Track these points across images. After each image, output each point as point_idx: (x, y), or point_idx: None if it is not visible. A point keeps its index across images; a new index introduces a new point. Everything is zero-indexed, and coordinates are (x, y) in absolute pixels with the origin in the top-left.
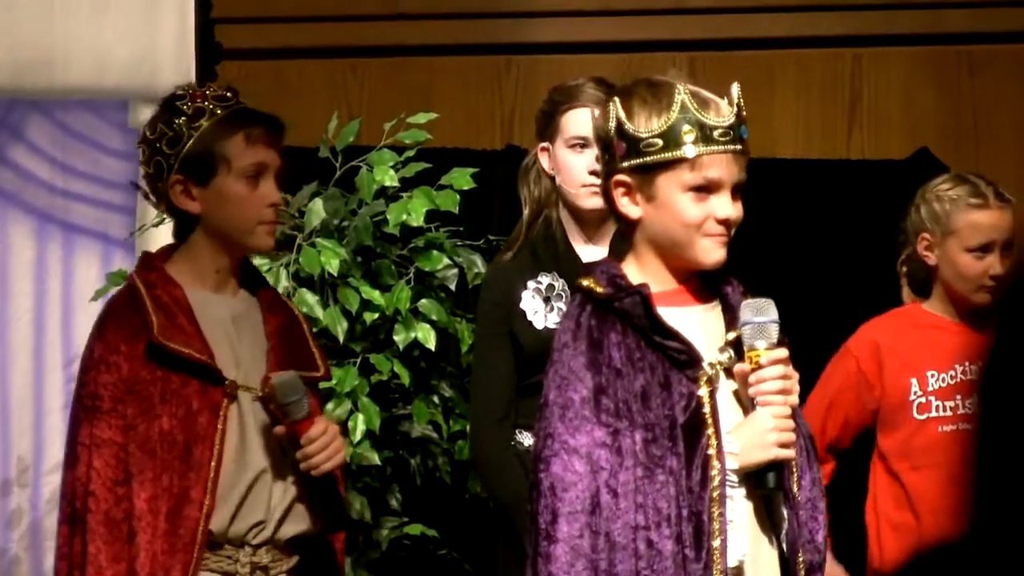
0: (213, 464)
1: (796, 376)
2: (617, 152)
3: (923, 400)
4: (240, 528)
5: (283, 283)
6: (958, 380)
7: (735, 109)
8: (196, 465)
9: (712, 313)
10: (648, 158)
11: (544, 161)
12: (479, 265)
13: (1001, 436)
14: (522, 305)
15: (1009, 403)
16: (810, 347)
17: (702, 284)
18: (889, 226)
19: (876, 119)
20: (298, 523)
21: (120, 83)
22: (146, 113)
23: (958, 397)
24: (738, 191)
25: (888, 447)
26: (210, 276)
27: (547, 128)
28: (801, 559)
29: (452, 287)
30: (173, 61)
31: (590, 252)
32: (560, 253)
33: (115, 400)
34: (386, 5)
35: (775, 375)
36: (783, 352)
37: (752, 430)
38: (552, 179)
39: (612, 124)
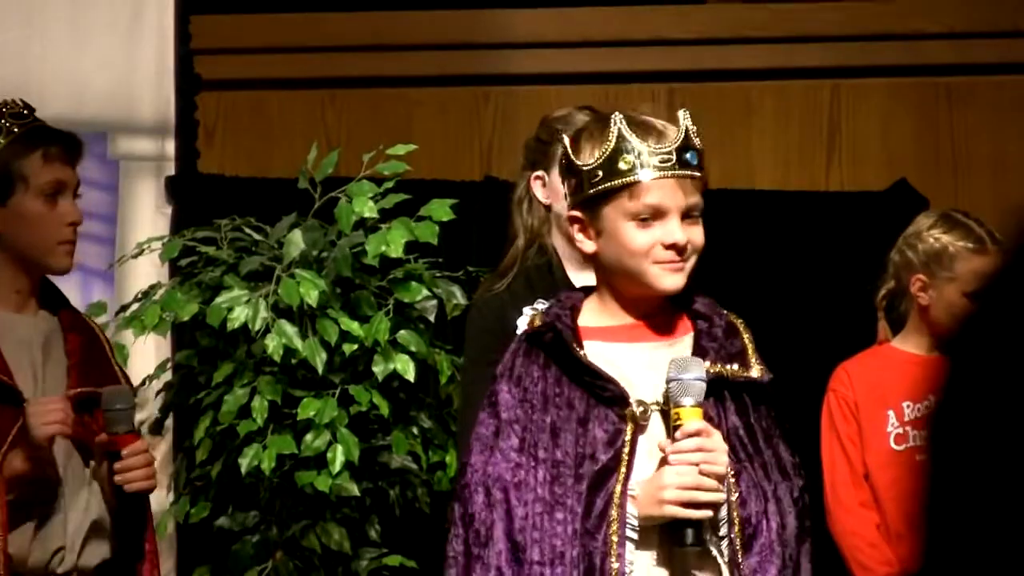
0: None
1: (720, 446)
2: (567, 189)
3: (900, 431)
4: (41, 556)
5: (262, 314)
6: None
7: (682, 134)
8: None
9: (673, 349)
10: (591, 191)
11: (538, 190)
12: (458, 296)
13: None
14: (519, 332)
15: (957, 434)
16: (788, 377)
17: (673, 319)
18: (868, 258)
19: (854, 150)
20: (101, 550)
21: (99, 114)
22: (125, 144)
23: None
24: (694, 215)
25: (869, 477)
26: (10, 296)
27: (543, 157)
28: None
29: (431, 318)
30: (152, 92)
31: (585, 280)
32: (557, 281)
33: None
34: (364, 36)
35: (691, 447)
36: (698, 424)
37: (651, 483)
38: (548, 208)
39: (562, 161)
